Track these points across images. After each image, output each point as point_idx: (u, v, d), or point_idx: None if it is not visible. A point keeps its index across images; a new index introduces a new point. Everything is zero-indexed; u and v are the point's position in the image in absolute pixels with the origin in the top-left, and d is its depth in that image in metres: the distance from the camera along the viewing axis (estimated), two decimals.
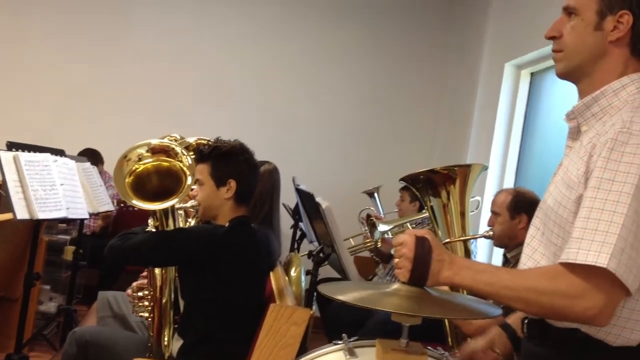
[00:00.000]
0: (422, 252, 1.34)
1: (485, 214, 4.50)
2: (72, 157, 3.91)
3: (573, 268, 1.25)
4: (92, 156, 5.05)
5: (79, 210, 3.59)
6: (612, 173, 1.26)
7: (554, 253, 1.40)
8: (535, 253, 1.49)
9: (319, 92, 6.01)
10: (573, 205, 1.34)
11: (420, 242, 1.35)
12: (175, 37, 5.84)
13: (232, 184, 2.52)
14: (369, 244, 4.28)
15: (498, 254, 4.43)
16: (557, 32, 1.49)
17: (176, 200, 2.33)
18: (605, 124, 1.37)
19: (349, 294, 1.40)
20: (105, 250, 2.45)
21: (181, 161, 2.37)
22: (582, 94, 1.50)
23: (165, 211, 2.45)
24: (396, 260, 1.40)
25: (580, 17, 1.45)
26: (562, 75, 1.53)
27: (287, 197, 4.06)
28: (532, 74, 4.64)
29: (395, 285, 1.41)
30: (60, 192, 3.38)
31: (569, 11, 1.48)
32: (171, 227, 2.50)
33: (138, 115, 5.70)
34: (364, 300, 1.37)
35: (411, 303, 1.35)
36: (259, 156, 2.76)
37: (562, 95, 3.94)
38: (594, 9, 1.43)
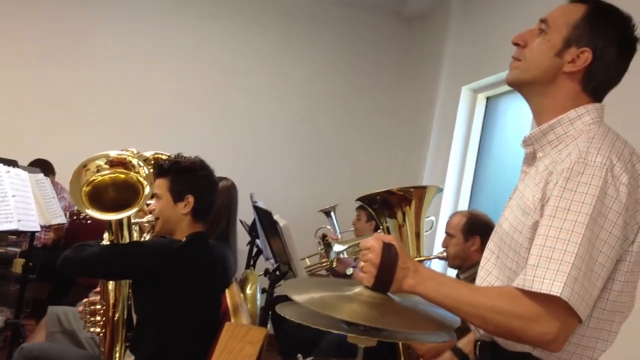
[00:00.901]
0: (388, 259, 1.34)
1: (440, 235, 4.57)
2: (24, 168, 3.82)
3: (529, 293, 1.28)
4: (43, 167, 4.93)
5: (31, 222, 3.50)
6: (567, 202, 1.29)
7: (508, 277, 1.43)
8: (489, 276, 1.51)
9: (278, 110, 6.01)
10: (528, 231, 1.37)
11: (387, 248, 1.35)
12: (134, 50, 5.77)
13: (190, 199, 2.51)
14: (325, 264, 4.28)
15: (451, 274, 4.50)
16: (522, 41, 1.51)
17: (133, 211, 2.31)
18: (561, 152, 1.40)
19: (307, 295, 1.38)
20: (58, 261, 2.41)
21: (138, 172, 2.36)
22: (534, 114, 1.53)
23: (120, 224, 2.43)
24: (361, 264, 1.40)
25: (548, 37, 1.47)
26: (511, 84, 1.56)
27: (244, 214, 4.05)
28: (487, 98, 4.74)
29: (358, 289, 1.40)
30: (12, 203, 3.29)
31: (542, 26, 1.49)
32: (127, 240, 2.48)
33: (92, 127, 5.60)
34: (324, 304, 1.35)
35: (372, 310, 1.34)
36: (217, 172, 2.76)
37: (516, 120, 4.03)
38: (563, 35, 1.45)
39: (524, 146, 1.54)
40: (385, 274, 1.34)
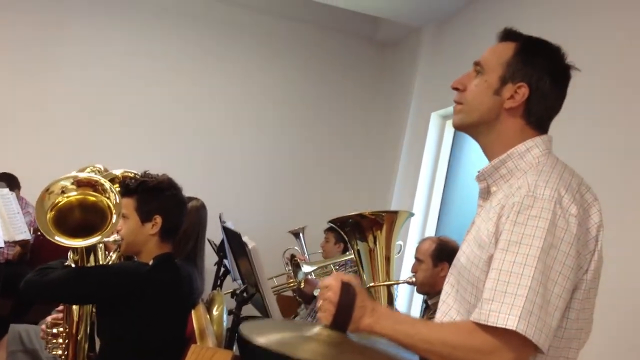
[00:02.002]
0: (347, 298, 1.35)
1: (407, 258, 4.59)
2: None
3: (486, 327, 1.29)
4: (8, 181, 4.85)
5: None
6: (518, 236, 1.31)
7: (468, 310, 1.44)
8: (450, 310, 1.52)
9: (249, 130, 6.00)
10: (485, 264, 1.38)
11: (346, 287, 1.36)
12: (104, 65, 5.70)
13: (158, 219, 2.47)
14: (292, 284, 4.27)
15: (418, 299, 4.52)
16: (461, 85, 1.55)
17: (100, 237, 2.26)
18: (512, 186, 1.43)
19: (268, 336, 1.39)
20: (22, 285, 2.34)
21: (109, 197, 2.31)
22: (484, 152, 1.56)
23: (87, 246, 2.37)
24: (320, 302, 1.40)
25: (484, 78, 1.51)
26: (458, 128, 1.59)
27: (213, 233, 4.02)
28: None
29: (317, 329, 1.40)
30: None
31: (477, 68, 1.54)
32: (92, 262, 2.42)
33: (60, 141, 5.52)
34: (284, 345, 1.36)
35: (330, 349, 1.34)
36: (187, 191, 2.72)
37: None
38: (498, 74, 1.50)
39: (477, 181, 1.57)
40: (344, 313, 1.35)
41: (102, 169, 3.10)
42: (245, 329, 1.43)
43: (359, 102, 6.22)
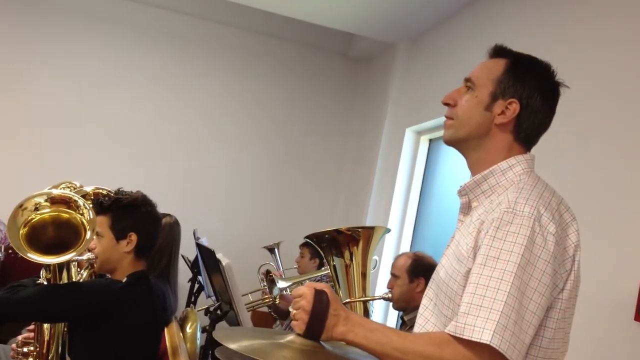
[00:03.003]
0: (320, 306, 1.35)
1: (383, 274, 4.59)
2: None
3: (460, 340, 1.29)
4: None
5: None
6: (497, 251, 1.32)
7: (444, 324, 1.43)
8: (427, 323, 1.52)
9: (223, 147, 5.96)
10: (463, 279, 1.39)
11: (319, 295, 1.36)
12: (80, 80, 5.61)
13: (133, 237, 2.44)
14: (267, 300, 4.24)
15: (393, 315, 4.51)
16: (452, 100, 1.57)
17: (74, 254, 2.22)
18: (493, 202, 1.44)
19: (241, 342, 1.37)
20: None
21: (82, 214, 2.28)
22: (470, 168, 1.58)
23: (60, 264, 2.33)
24: (293, 312, 1.40)
25: (475, 93, 1.53)
26: (448, 143, 1.60)
27: (187, 249, 3.98)
28: (430, 140, 4.84)
29: (290, 337, 1.40)
30: None
31: (468, 84, 1.56)
32: (65, 280, 2.37)
33: (32, 158, 5.41)
34: (256, 350, 1.34)
35: (303, 357, 1.34)
36: (161, 207, 2.69)
37: (458, 162, 4.11)
38: (489, 90, 1.52)
39: (459, 196, 1.59)
40: (317, 321, 1.35)
41: (78, 185, 3.06)
42: (218, 335, 1.41)
43: (333, 117, 6.24)
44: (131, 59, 5.76)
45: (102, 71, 5.69)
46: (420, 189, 4.82)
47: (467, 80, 1.57)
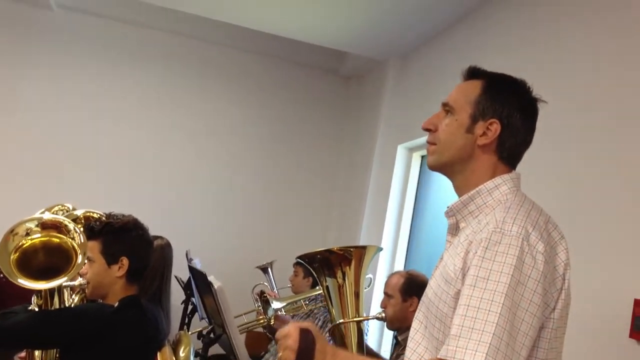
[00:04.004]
0: (306, 344, 1.36)
1: (377, 292, 4.57)
2: None
3: None
4: None
5: None
6: (486, 272, 1.31)
7: (436, 347, 1.43)
8: (419, 347, 1.51)
9: (215, 166, 5.94)
10: (452, 300, 1.38)
11: (304, 333, 1.36)
12: (69, 102, 5.59)
13: (125, 261, 2.42)
14: (262, 321, 4.21)
15: (388, 335, 4.49)
16: (432, 125, 1.58)
17: (65, 279, 2.21)
18: (481, 222, 1.44)
19: None
20: None
21: (73, 238, 2.27)
22: (456, 190, 1.58)
23: (51, 289, 2.31)
24: (280, 353, 1.40)
25: (455, 117, 1.54)
26: (433, 168, 1.61)
27: (180, 270, 3.96)
28: (422, 157, 4.84)
29: None
30: None
31: (446, 108, 1.57)
32: (56, 305, 2.36)
33: (21, 181, 5.37)
34: None
35: None
36: (154, 228, 2.68)
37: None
38: (468, 113, 1.52)
39: (446, 217, 1.58)
40: (304, 359, 1.35)
41: (71, 207, 3.05)
42: None
43: (325, 135, 6.24)
44: (120, 80, 5.75)
45: (91, 92, 5.66)
46: (414, 206, 4.82)
47: (445, 105, 1.57)
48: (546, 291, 1.34)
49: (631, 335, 2.25)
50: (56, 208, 3.12)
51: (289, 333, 1.37)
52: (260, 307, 4.10)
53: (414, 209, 4.80)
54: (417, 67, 4.93)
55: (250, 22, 5.15)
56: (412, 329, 1.56)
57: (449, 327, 1.34)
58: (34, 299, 2.41)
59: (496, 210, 1.43)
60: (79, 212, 2.81)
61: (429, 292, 1.50)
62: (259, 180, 6.04)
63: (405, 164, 4.87)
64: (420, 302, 1.56)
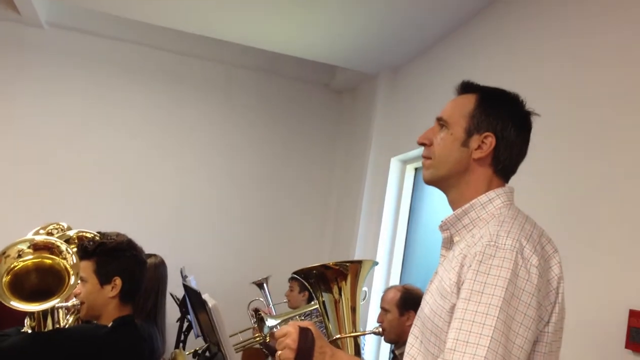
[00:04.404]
0: (305, 344, 1.36)
1: (373, 305, 4.56)
2: None
3: None
4: None
5: None
6: (481, 285, 1.31)
7: None
8: None
9: (208, 183, 5.93)
10: (447, 314, 1.38)
11: (304, 333, 1.37)
12: (66, 119, 5.58)
13: (118, 282, 2.40)
14: (258, 338, 4.19)
15: (385, 349, 4.47)
16: (427, 140, 1.59)
17: (57, 300, 2.20)
18: (475, 235, 1.44)
19: None
20: None
21: (65, 259, 2.25)
22: (451, 204, 1.58)
23: (44, 311, 2.29)
24: (279, 352, 1.39)
25: (450, 131, 1.55)
26: (429, 182, 1.61)
27: (175, 288, 3.94)
28: (416, 169, 4.85)
29: None
30: None
31: (441, 122, 1.57)
32: (50, 327, 2.34)
33: (15, 199, 5.35)
34: None
35: None
36: (148, 245, 2.66)
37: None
38: (463, 127, 1.53)
39: (440, 231, 1.59)
40: (303, 359, 1.35)
41: (66, 226, 3.04)
42: None
43: (318, 149, 6.25)
44: (112, 97, 5.74)
45: (83, 109, 5.65)
46: (408, 218, 4.82)
47: (440, 119, 1.58)
48: (540, 304, 1.34)
49: (627, 346, 2.24)
50: (51, 227, 3.11)
51: (289, 332, 1.38)
52: (256, 324, 4.09)
53: (408, 220, 4.80)
54: (408, 80, 4.95)
55: (243, 39, 5.16)
56: (407, 344, 1.56)
57: (444, 341, 1.34)
58: (27, 320, 2.39)
59: (490, 224, 1.43)
60: (72, 232, 2.79)
61: (424, 307, 1.50)
62: (252, 195, 6.03)
63: (398, 177, 4.87)
64: (416, 317, 1.56)
